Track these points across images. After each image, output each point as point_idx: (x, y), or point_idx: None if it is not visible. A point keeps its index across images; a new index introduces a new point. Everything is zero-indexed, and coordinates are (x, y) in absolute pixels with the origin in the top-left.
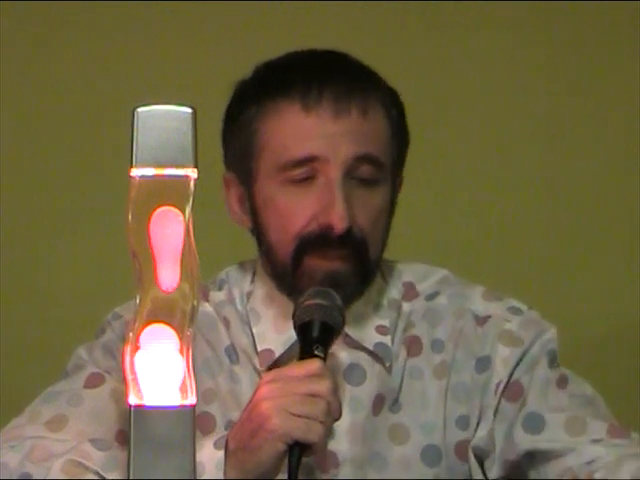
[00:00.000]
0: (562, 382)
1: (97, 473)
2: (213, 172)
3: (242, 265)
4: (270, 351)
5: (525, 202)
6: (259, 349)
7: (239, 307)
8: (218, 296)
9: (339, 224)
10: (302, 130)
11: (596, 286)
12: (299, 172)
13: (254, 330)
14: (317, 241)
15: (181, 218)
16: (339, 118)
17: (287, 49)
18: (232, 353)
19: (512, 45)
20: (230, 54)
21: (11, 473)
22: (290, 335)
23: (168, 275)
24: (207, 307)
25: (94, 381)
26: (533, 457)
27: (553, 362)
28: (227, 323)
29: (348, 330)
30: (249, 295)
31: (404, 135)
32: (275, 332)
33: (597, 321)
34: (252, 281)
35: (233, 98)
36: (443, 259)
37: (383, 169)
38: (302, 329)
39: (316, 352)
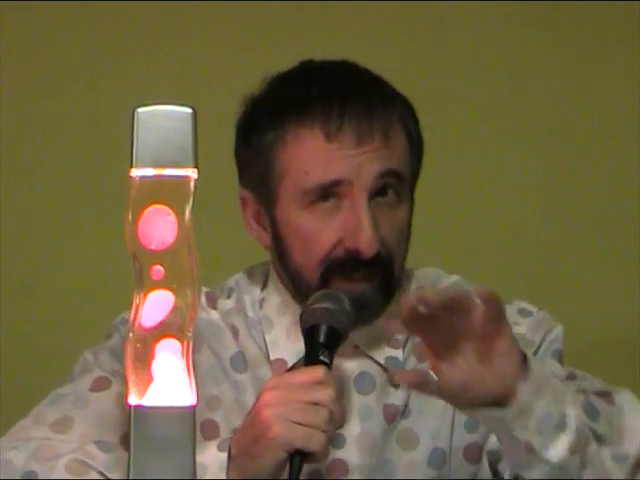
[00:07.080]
0: (571, 377)
1: (101, 473)
2: (213, 172)
3: (251, 272)
4: (283, 361)
5: (526, 202)
6: (272, 358)
7: (250, 314)
8: (226, 304)
9: (368, 250)
10: (325, 156)
11: (596, 287)
12: (324, 197)
13: (267, 337)
14: (344, 265)
15: (171, 217)
16: (362, 144)
17: (287, 49)
18: (239, 362)
19: (512, 45)
20: (231, 54)
21: (16, 471)
22: (303, 345)
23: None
24: (214, 315)
25: (100, 385)
26: None
27: (560, 361)
28: (235, 331)
29: (359, 343)
30: (261, 302)
31: (420, 146)
32: (288, 340)
33: (598, 321)
34: (264, 288)
35: (246, 116)
36: (443, 260)
37: (405, 184)
38: (308, 333)
39: (321, 357)
